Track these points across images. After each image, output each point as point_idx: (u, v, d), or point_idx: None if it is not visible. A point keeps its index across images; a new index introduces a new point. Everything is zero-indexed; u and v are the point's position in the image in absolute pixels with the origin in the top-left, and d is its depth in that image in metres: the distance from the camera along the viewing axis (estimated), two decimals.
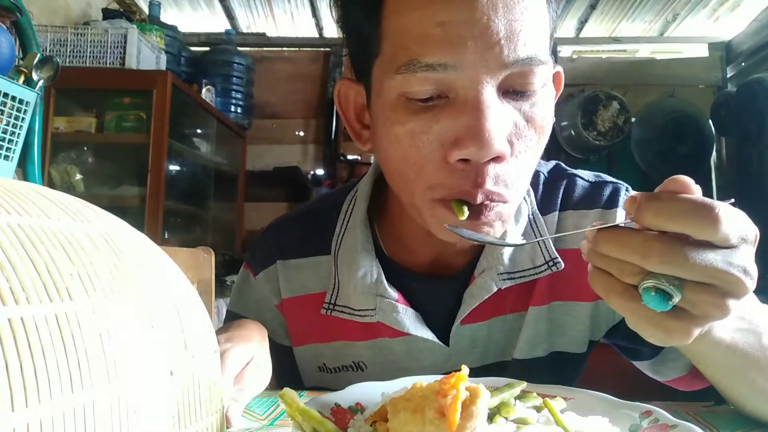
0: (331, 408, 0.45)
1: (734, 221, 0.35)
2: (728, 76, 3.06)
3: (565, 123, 2.92)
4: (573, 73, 3.04)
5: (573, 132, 2.87)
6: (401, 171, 0.55)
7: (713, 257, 0.35)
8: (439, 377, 0.40)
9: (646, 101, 2.93)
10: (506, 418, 0.41)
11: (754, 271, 0.36)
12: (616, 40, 3.20)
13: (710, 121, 2.85)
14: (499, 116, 0.49)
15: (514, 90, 0.51)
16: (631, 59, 3.23)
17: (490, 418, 0.40)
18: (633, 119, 2.86)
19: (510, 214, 0.56)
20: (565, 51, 3.23)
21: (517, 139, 0.51)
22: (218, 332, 0.56)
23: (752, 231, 0.37)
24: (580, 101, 2.83)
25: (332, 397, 0.47)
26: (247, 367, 0.52)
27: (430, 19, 0.48)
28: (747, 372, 0.49)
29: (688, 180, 0.36)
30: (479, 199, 0.51)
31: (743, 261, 0.36)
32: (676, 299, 0.36)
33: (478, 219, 0.52)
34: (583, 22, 3.11)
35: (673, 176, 0.36)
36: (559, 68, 0.60)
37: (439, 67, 0.48)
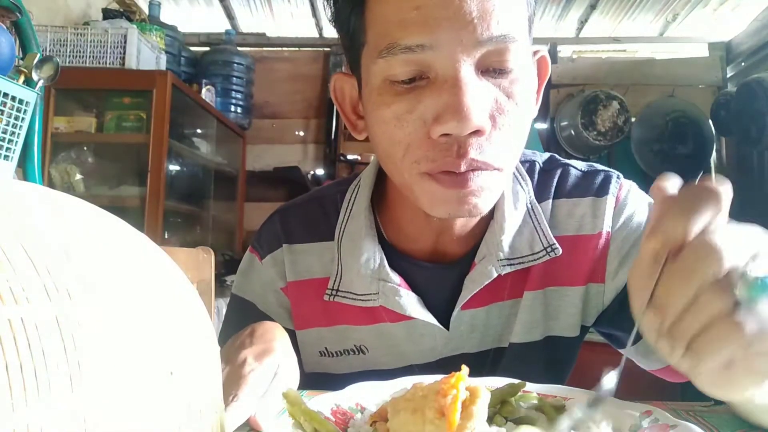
0: (331, 408, 0.45)
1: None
2: (728, 76, 3.06)
3: (565, 123, 2.92)
4: (573, 73, 3.03)
5: (573, 132, 2.87)
6: (389, 152, 0.58)
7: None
8: (439, 377, 0.40)
9: (646, 101, 2.92)
10: (506, 418, 0.41)
11: None
12: (617, 40, 3.20)
13: (710, 121, 2.85)
14: (477, 92, 0.52)
15: (492, 68, 0.53)
16: (631, 59, 3.23)
17: (490, 418, 0.40)
18: (633, 119, 2.85)
19: (497, 186, 0.57)
20: (565, 51, 3.23)
21: (499, 114, 0.54)
22: (241, 341, 0.55)
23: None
24: (580, 101, 2.83)
25: (332, 398, 0.47)
26: (272, 382, 0.52)
27: (407, 4, 0.52)
28: None
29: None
30: (463, 167, 0.53)
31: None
32: None
33: (464, 187, 0.54)
34: (583, 22, 3.11)
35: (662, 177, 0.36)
36: (544, 52, 0.63)
37: (417, 48, 0.51)
